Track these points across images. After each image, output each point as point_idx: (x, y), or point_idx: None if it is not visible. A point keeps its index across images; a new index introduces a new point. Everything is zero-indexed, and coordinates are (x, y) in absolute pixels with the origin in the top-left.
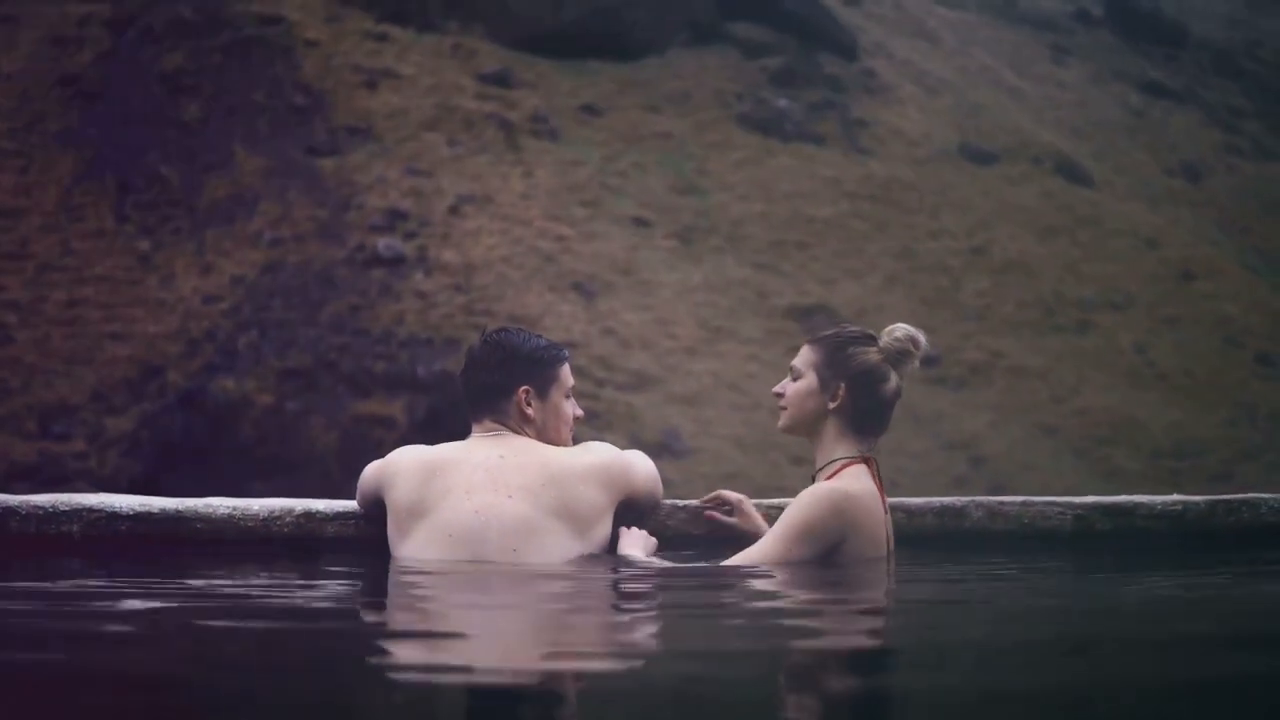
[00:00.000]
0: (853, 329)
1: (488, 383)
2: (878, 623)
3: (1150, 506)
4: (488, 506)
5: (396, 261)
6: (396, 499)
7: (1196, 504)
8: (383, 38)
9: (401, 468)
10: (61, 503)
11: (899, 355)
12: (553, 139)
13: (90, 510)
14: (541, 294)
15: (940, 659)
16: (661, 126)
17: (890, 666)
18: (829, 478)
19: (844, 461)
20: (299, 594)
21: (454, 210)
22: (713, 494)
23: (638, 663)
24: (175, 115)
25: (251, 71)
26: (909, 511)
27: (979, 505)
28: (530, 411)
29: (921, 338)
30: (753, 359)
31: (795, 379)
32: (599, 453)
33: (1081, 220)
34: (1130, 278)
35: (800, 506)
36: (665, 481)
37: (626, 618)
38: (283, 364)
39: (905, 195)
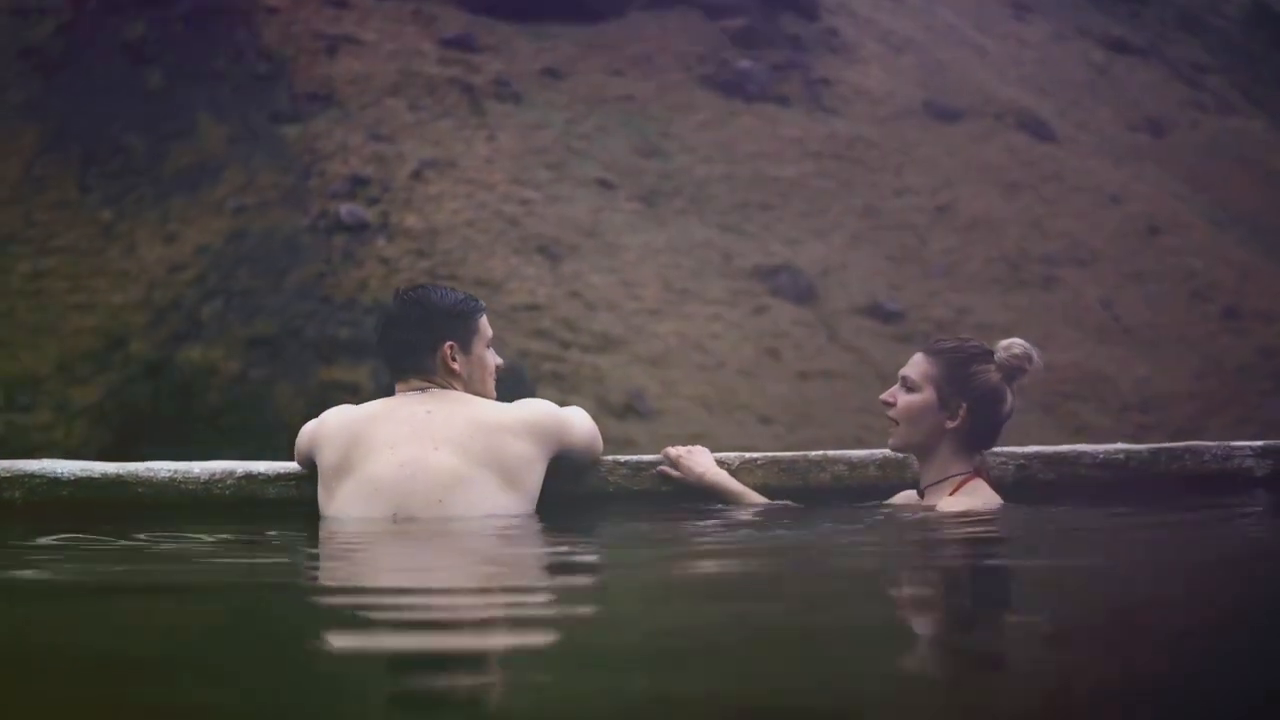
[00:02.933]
0: (973, 344)
1: (410, 340)
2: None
3: (1093, 455)
4: (413, 459)
5: (360, 228)
6: (325, 460)
7: (1139, 452)
8: (342, 4)
9: (328, 428)
10: (3, 469)
11: (1014, 371)
12: (515, 103)
13: (32, 476)
14: (506, 257)
15: None
16: (624, 89)
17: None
18: (952, 493)
19: (964, 477)
20: (236, 557)
21: (417, 175)
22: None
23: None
24: (138, 85)
25: (213, 40)
26: (851, 464)
27: None
28: (456, 365)
29: (1036, 354)
30: (717, 319)
31: (909, 390)
32: (533, 407)
33: (1046, 176)
34: (1095, 233)
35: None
36: (631, 443)
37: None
38: (249, 332)
39: (869, 154)
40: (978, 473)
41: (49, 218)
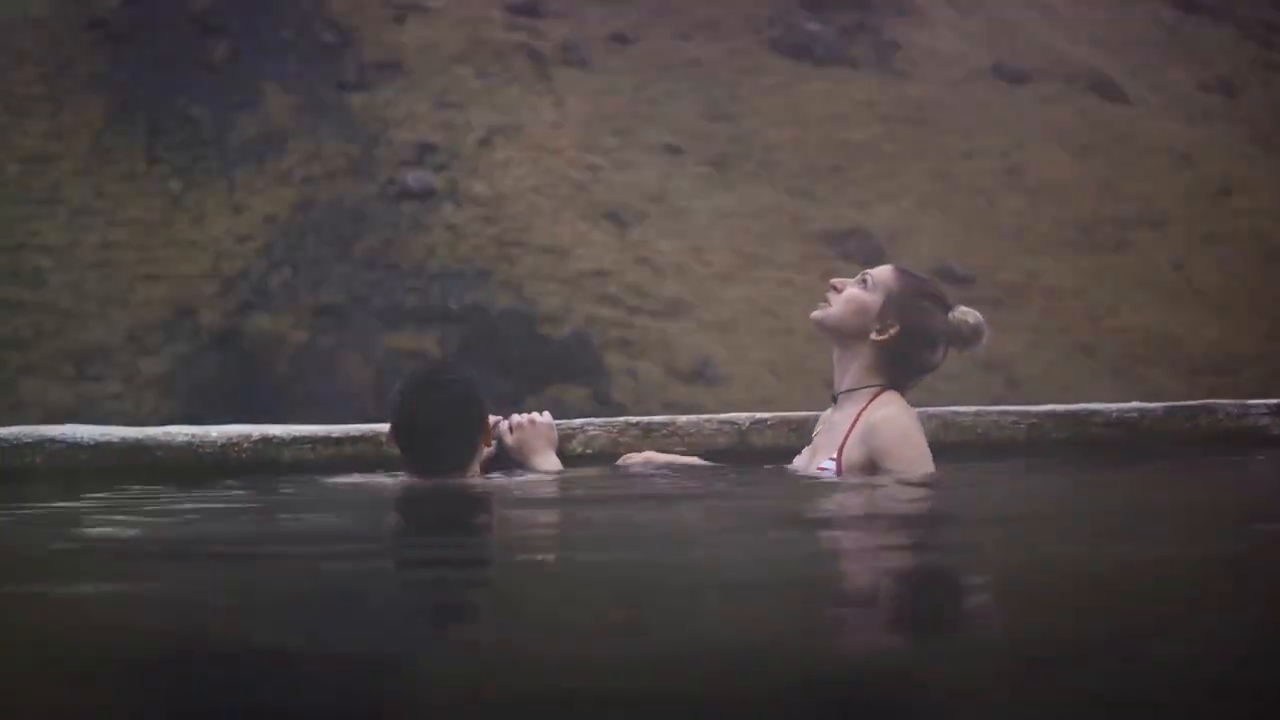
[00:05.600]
0: (936, 287)
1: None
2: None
3: (1106, 414)
4: None
5: (426, 195)
6: None
7: (1153, 410)
8: None
9: None
10: (25, 434)
11: (959, 337)
12: (583, 68)
13: (52, 441)
14: (573, 224)
15: None
16: (692, 54)
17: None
18: (864, 406)
19: (880, 387)
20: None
21: (484, 142)
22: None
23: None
24: (204, 56)
25: (280, 10)
26: None
27: (932, 416)
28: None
29: (987, 333)
30: (787, 284)
31: (864, 286)
32: None
33: (1116, 138)
34: (1166, 195)
35: (913, 428)
36: (699, 409)
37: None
38: (316, 300)
39: (939, 117)
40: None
41: (117, 189)
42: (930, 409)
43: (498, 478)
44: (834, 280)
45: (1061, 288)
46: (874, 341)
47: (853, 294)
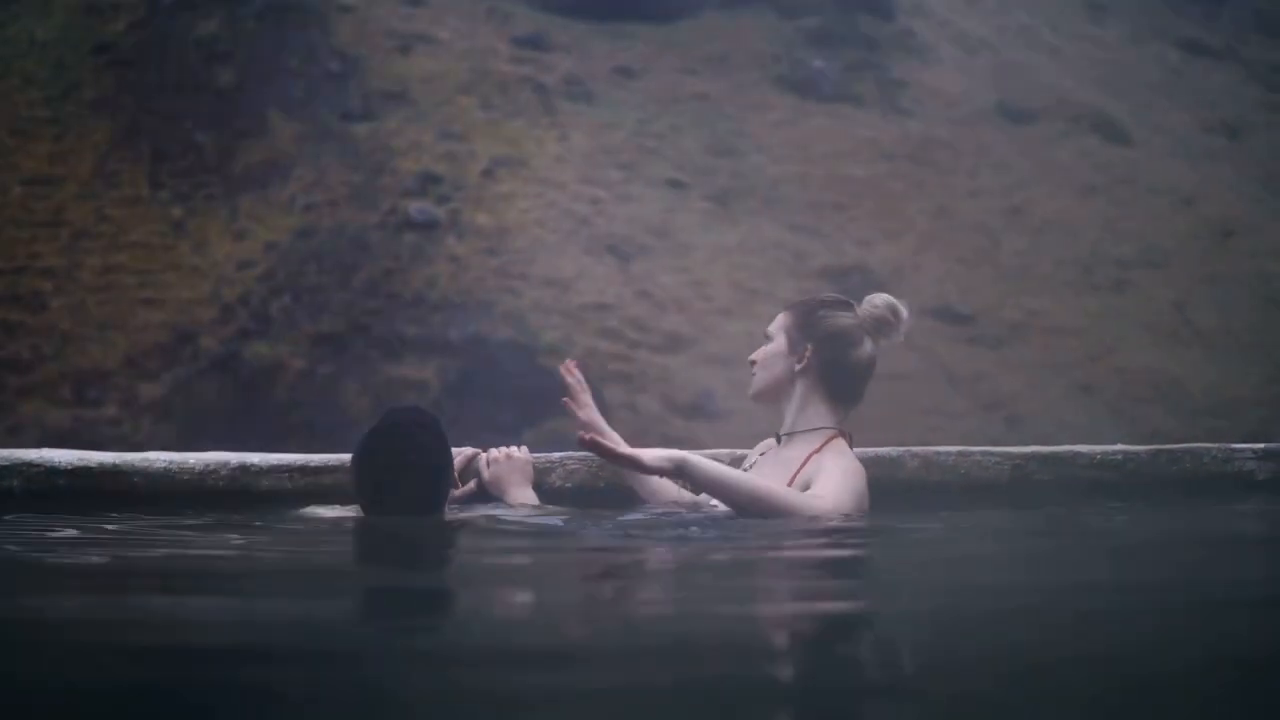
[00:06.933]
0: (829, 295)
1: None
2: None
3: (1090, 456)
4: None
5: (429, 226)
6: None
7: (1137, 454)
8: (417, 2)
9: None
10: (1, 458)
11: (877, 324)
12: (588, 101)
13: (30, 465)
14: (575, 256)
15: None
16: (698, 88)
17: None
18: (820, 447)
19: (831, 433)
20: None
21: (488, 174)
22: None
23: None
24: (209, 82)
25: (285, 37)
26: None
27: (914, 455)
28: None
29: (904, 309)
30: None
31: (767, 341)
32: None
33: (1119, 179)
34: (1169, 236)
35: (846, 476)
36: (698, 443)
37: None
38: (316, 329)
39: (942, 155)
40: (842, 434)
41: (120, 214)
42: (914, 449)
43: (468, 513)
44: (750, 358)
45: (1062, 327)
46: (799, 372)
47: (762, 353)
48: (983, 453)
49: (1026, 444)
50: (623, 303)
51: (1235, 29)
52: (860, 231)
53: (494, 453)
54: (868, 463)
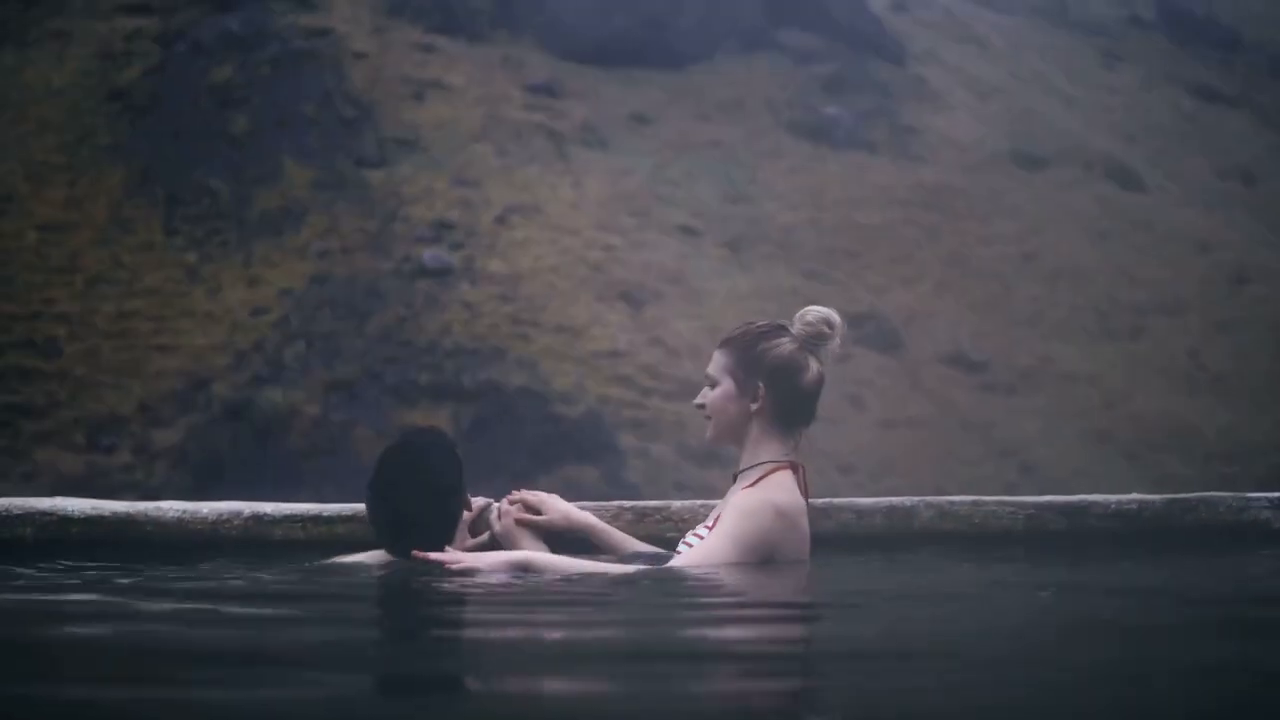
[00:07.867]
0: (761, 323)
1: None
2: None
3: (1104, 505)
4: None
5: (443, 272)
6: None
7: (1152, 503)
8: (431, 49)
9: None
10: (15, 506)
11: (814, 339)
12: (602, 148)
13: (42, 514)
14: (589, 303)
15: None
16: (711, 135)
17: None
18: (753, 483)
19: (771, 466)
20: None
21: (501, 220)
22: (516, 495)
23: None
24: (224, 128)
25: (300, 84)
26: (859, 511)
27: (929, 505)
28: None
29: (836, 317)
30: None
31: (713, 386)
32: None
33: (1134, 225)
34: (1183, 282)
35: (742, 518)
36: (714, 491)
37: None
38: (329, 375)
39: (956, 201)
40: (791, 465)
41: (135, 260)
42: (928, 498)
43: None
44: (695, 403)
45: (1076, 373)
46: (756, 412)
47: (710, 400)
48: (997, 502)
49: (1041, 491)
50: (635, 349)
51: (1249, 75)
52: (874, 278)
53: (506, 505)
54: (883, 512)
